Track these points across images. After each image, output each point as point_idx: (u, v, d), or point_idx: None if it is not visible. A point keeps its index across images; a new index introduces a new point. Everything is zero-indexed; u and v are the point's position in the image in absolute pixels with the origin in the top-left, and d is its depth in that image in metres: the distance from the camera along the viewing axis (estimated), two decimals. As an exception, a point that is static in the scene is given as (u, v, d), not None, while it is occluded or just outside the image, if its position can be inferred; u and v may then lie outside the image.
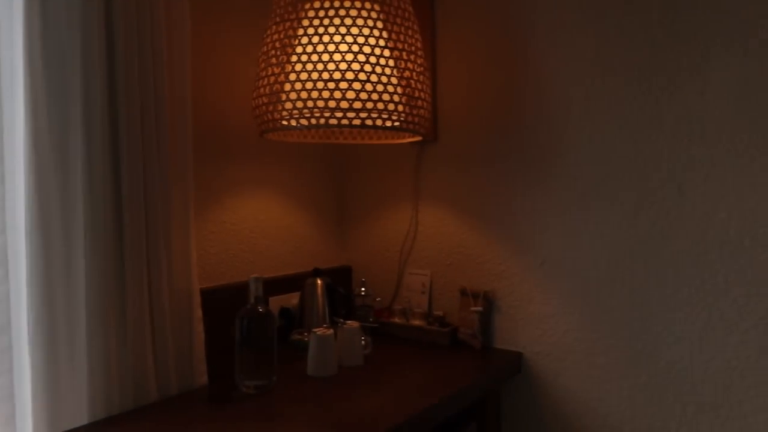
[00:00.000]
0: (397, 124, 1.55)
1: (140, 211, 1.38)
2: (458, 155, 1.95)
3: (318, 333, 1.61)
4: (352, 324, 1.72)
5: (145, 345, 1.40)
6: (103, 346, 1.31)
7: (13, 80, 1.24)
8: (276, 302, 1.92)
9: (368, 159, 2.20)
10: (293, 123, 1.51)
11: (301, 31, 1.51)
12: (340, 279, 2.14)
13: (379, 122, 1.51)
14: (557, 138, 1.72)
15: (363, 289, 2.00)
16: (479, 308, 1.86)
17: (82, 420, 1.29)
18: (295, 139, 1.83)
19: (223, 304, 1.73)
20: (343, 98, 1.47)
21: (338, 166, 2.26)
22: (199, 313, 1.54)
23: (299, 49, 1.49)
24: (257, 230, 1.94)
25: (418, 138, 1.80)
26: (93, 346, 1.29)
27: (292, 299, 1.97)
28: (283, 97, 1.51)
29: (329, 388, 1.53)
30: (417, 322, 1.97)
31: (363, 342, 1.74)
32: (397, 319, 2.02)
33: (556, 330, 1.75)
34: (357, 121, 1.49)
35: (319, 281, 1.89)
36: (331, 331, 1.64)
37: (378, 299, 2.06)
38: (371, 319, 1.99)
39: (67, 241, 1.27)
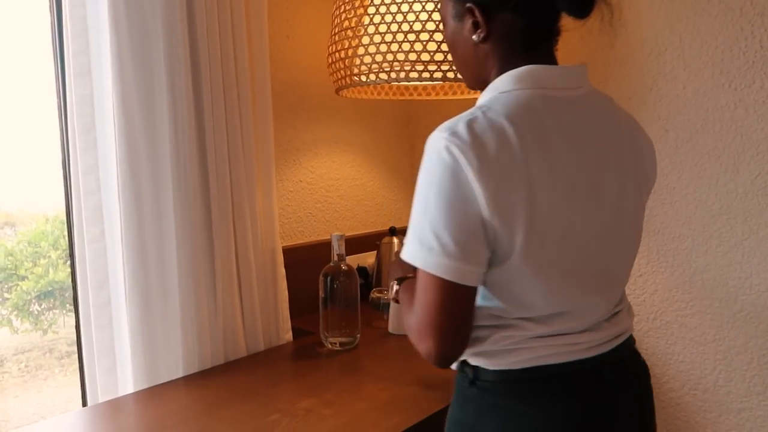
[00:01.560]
0: (479, 76, 1.49)
1: (225, 170, 1.39)
2: (537, 109, 1.87)
3: (399, 291, 1.60)
4: (432, 283, 1.70)
5: (234, 302, 1.43)
6: (195, 302, 1.34)
7: (100, 48, 1.25)
8: (352, 261, 1.92)
9: (442, 115, 2.14)
10: (372, 77, 1.48)
11: (379, -18, 1.46)
12: (413, 238, 2.13)
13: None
14: (647, 87, 1.62)
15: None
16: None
17: (178, 373, 1.34)
18: (369, 96, 1.80)
19: (304, 262, 1.74)
20: (424, 50, 1.42)
21: (411, 123, 2.22)
22: (282, 270, 1.56)
23: (377, 1, 1.45)
24: (332, 189, 1.94)
25: (496, 92, 1.73)
26: (185, 302, 1.32)
27: (368, 258, 1.97)
28: (362, 51, 1.48)
29: (411, 346, 1.52)
30: (494, 282, 1.93)
31: (442, 301, 1.73)
32: (473, 279, 1.99)
33: (645, 290, 1.68)
34: (438, 74, 1.44)
35: (395, 240, 1.87)
36: (412, 289, 1.63)
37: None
38: (447, 279, 1.97)
39: (156, 201, 1.30)
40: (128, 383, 1.30)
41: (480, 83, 0.94)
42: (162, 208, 1.30)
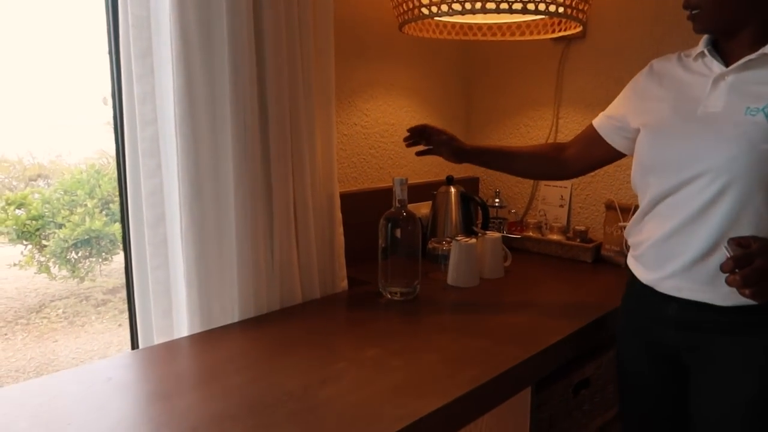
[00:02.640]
0: (561, 10, 1.36)
1: (284, 107, 1.30)
2: (611, 54, 1.74)
3: (461, 242, 1.52)
4: (493, 234, 1.62)
5: (291, 246, 1.35)
6: (252, 244, 1.27)
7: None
8: (405, 211, 1.84)
9: (503, 60, 2.01)
10: (444, 8, 1.36)
11: None
12: (468, 190, 2.02)
13: (542, 6, 1.33)
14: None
15: (497, 200, 1.88)
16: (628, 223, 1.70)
17: (234, 318, 1.28)
18: (431, 35, 1.68)
19: (358, 210, 1.67)
20: (504, -22, 1.30)
21: (469, 68, 2.10)
22: (339, 216, 1.48)
23: None
24: (387, 135, 1.84)
25: (568, 32, 1.60)
26: (242, 243, 1.25)
27: (422, 208, 1.88)
28: (433, -21, 1.36)
29: (474, 299, 1.45)
30: (555, 237, 1.84)
31: (503, 254, 1.64)
32: (531, 233, 1.89)
33: (722, 248, 1.57)
34: (518, 5, 1.32)
35: (453, 190, 1.78)
36: (474, 240, 1.54)
37: (513, 211, 1.94)
38: (505, 232, 1.88)
39: (214, 135, 1.22)
40: (183, 326, 1.25)
41: (726, 30, 1.03)
42: (220, 143, 1.22)
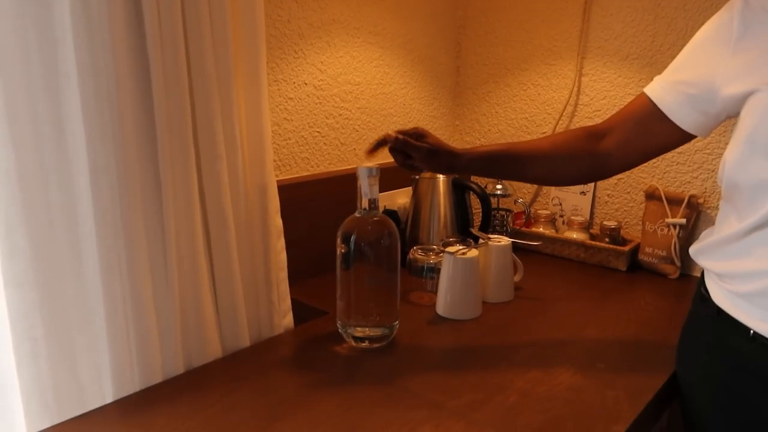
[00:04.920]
0: None
1: (179, 60, 0.80)
2: (659, -16, 1.26)
3: (456, 255, 1.05)
4: (500, 240, 1.15)
5: (199, 275, 0.88)
6: (129, 279, 0.79)
7: None
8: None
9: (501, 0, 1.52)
10: None
11: None
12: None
13: None
14: None
15: (499, 186, 1.42)
16: (680, 220, 1.25)
17: (104, 398, 0.81)
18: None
19: (316, 201, 1.20)
20: None
21: (462, 6, 1.60)
22: (278, 222, 1.00)
23: None
24: (351, 98, 1.35)
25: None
26: (110, 280, 0.77)
27: (398, 198, 1.41)
28: None
29: (474, 343, 0.99)
30: (575, 235, 1.38)
31: (513, 267, 1.18)
32: (542, 229, 1.44)
33: None
34: None
35: (440, 175, 1.31)
36: (475, 251, 1.08)
37: (519, 200, 1.47)
38: (509, 229, 1.42)
39: (52, 101, 0.72)
40: (17, 421, 0.77)
41: None
42: (61, 116, 0.73)
